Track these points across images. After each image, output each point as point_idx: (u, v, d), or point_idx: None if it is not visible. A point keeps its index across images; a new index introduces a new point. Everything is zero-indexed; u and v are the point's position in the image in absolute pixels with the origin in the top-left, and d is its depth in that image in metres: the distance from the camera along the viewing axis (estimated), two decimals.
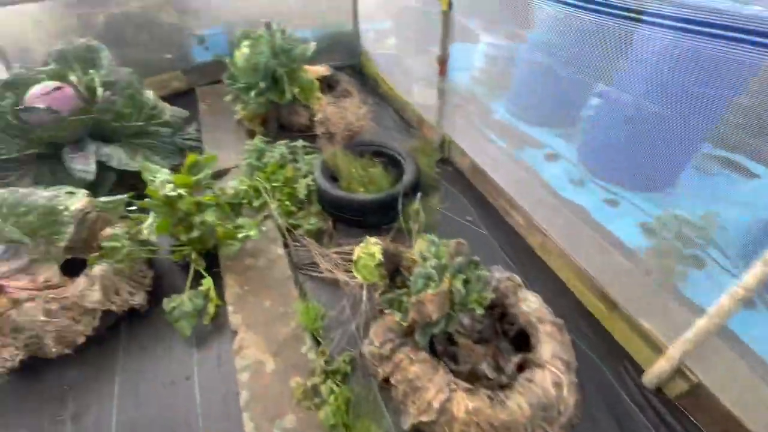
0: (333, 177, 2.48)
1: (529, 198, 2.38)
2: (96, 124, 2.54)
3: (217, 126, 3.20)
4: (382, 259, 1.54)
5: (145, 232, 1.83)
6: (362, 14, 4.03)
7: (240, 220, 2.03)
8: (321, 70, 3.42)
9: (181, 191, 1.88)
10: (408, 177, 2.37)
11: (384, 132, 3.17)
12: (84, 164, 2.38)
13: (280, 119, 3.24)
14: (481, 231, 2.33)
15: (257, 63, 2.87)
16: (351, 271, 2.06)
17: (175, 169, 2.89)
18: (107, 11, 3.28)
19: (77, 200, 2.06)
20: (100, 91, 2.53)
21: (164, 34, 3.52)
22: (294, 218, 2.32)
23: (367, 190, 2.33)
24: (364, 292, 1.88)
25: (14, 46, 3.11)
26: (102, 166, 2.43)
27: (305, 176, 2.51)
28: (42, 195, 1.83)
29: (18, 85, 2.51)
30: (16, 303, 1.66)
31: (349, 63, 4.27)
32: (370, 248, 1.54)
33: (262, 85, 2.93)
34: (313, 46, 3.08)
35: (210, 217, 1.89)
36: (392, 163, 2.62)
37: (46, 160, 2.49)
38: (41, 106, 2.32)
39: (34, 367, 1.71)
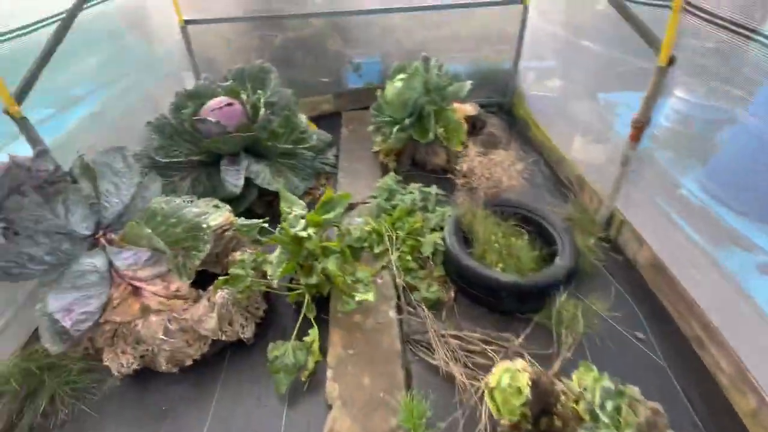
0: (466, 238, 2.14)
1: (736, 329, 1.67)
2: (252, 140, 2.68)
3: (354, 154, 3.16)
4: (530, 396, 1.13)
5: (270, 271, 1.75)
6: (525, 51, 3.65)
7: (359, 273, 1.83)
8: (468, 108, 3.14)
9: (311, 231, 1.77)
10: (563, 261, 1.90)
11: (533, 190, 2.71)
12: (235, 178, 2.51)
13: (415, 155, 3.05)
14: (657, 360, 1.71)
15: (408, 98, 2.72)
16: (470, 367, 1.69)
17: (309, 192, 2.94)
18: (284, 35, 3.56)
19: (219, 215, 2.13)
20: (262, 111, 2.67)
21: (326, 59, 3.69)
22: (413, 276, 2.05)
23: (506, 266, 1.93)
24: (485, 407, 1.48)
25: (204, 59, 3.57)
26: (248, 181, 2.54)
27: (434, 230, 2.22)
28: (192, 210, 1.91)
29: (199, 96, 2.81)
30: (145, 312, 1.71)
31: (498, 101, 3.92)
32: (518, 378, 1.15)
33: (407, 121, 2.77)
34: (468, 85, 2.81)
35: (332, 266, 1.73)
36: (541, 233, 2.16)
37: (206, 166, 2.71)
38: (212, 119, 2.52)
39: (144, 376, 1.75)
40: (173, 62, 3.54)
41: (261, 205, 2.73)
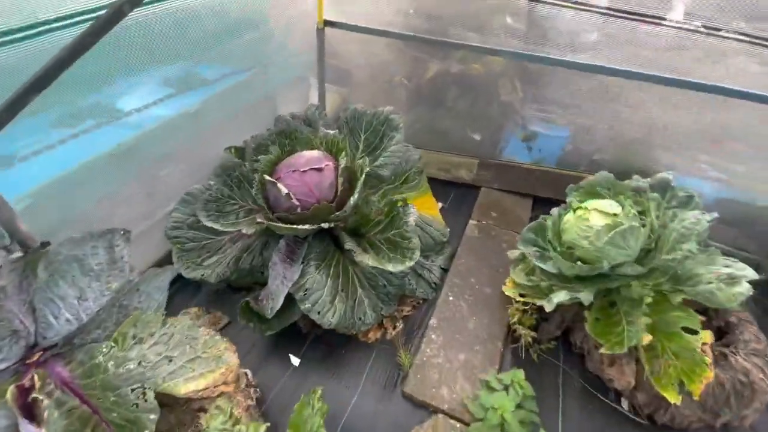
0: None
1: None
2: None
3: (470, 283, 2.03)
4: None
5: None
6: None
7: None
8: None
9: None
10: None
11: None
12: (276, 284, 1.65)
13: (572, 332, 1.77)
14: None
15: (606, 259, 1.45)
16: None
17: (382, 324, 1.96)
18: (443, 64, 2.52)
19: (210, 373, 1.31)
20: (357, 193, 1.72)
21: (489, 109, 2.54)
22: None
23: None
24: None
25: (337, 65, 2.79)
26: (290, 297, 1.67)
27: None
28: (145, 402, 1.10)
29: (291, 138, 2.00)
30: None
31: (755, 259, 2.24)
32: None
33: (586, 294, 1.51)
34: (746, 289, 1.38)
35: None
36: None
37: (265, 235, 1.94)
38: (283, 188, 1.69)
39: None
40: (303, 65, 2.86)
41: (309, 320, 1.85)
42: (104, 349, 1.16)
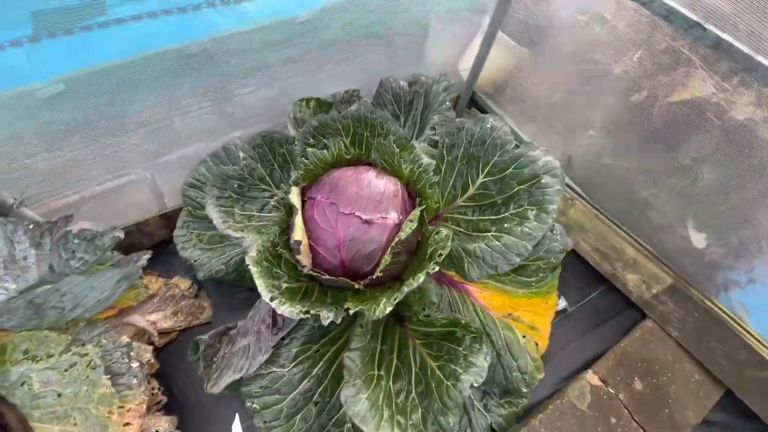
0: None
1: None
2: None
3: None
4: None
5: None
6: None
7: None
8: None
9: None
10: None
11: None
12: (239, 346, 1.13)
13: None
14: None
15: None
16: None
17: None
18: (717, 92, 1.26)
19: None
20: (404, 290, 0.97)
21: (753, 207, 1.28)
22: None
23: None
24: None
25: (528, 16, 1.73)
26: None
27: None
28: None
29: (371, 131, 1.24)
30: None
31: None
32: None
33: None
34: None
35: None
36: None
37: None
38: (299, 225, 1.03)
39: None
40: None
41: None
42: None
